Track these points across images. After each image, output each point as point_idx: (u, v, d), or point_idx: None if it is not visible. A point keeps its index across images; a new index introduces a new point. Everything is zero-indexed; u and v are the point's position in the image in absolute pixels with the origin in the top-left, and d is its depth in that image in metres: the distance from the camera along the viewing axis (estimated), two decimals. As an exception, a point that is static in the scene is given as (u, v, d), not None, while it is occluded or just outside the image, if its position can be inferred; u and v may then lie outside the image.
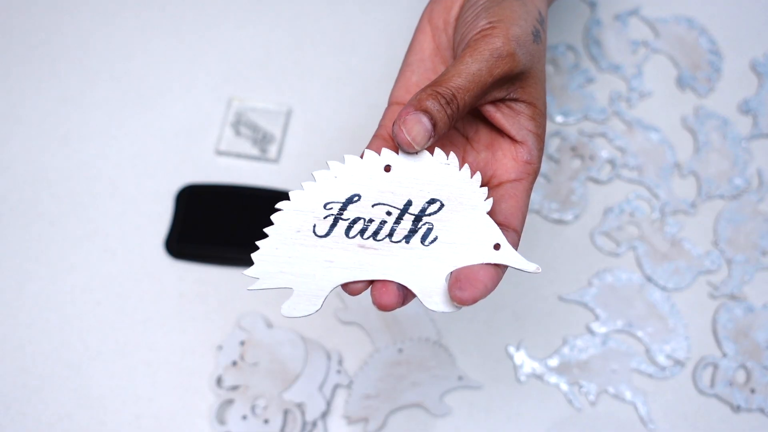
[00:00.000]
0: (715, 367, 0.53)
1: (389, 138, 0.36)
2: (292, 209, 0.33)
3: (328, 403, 0.52)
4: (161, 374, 0.53)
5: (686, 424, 0.52)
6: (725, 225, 0.58)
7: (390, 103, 0.39)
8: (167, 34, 0.65)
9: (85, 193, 0.59)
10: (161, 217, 0.58)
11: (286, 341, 0.53)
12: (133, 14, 0.66)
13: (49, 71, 0.63)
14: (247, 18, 0.66)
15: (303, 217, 0.33)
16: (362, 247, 0.33)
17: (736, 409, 0.52)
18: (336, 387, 0.52)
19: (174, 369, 0.53)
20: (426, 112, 0.32)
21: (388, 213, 0.33)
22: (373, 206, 0.33)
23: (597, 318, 0.55)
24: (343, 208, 0.33)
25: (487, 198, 0.34)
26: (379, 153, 0.34)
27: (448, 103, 0.33)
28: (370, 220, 0.33)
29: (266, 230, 0.33)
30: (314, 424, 0.51)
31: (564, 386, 0.53)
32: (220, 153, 0.60)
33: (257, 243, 0.33)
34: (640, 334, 0.54)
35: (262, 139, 0.61)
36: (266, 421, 0.51)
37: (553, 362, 0.53)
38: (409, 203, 0.33)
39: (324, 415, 0.51)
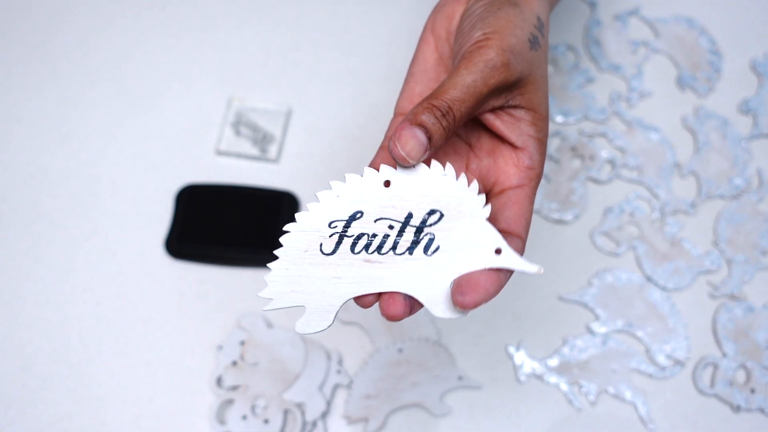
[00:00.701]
0: (715, 367, 0.53)
1: None
2: (299, 230, 0.34)
3: (328, 403, 0.52)
4: (161, 374, 0.53)
5: (686, 424, 0.52)
6: (725, 225, 0.58)
7: (395, 114, 0.40)
8: (167, 34, 0.65)
9: (85, 193, 0.59)
10: (161, 217, 0.58)
11: (286, 341, 0.53)
12: (133, 14, 0.66)
13: (49, 71, 0.63)
14: (247, 18, 0.66)
15: (309, 237, 0.34)
16: (368, 261, 0.34)
17: (736, 409, 0.52)
18: (336, 387, 0.52)
19: (174, 369, 0.53)
20: (421, 126, 0.32)
21: (391, 227, 0.34)
22: (375, 221, 0.34)
23: (597, 318, 0.55)
24: (347, 226, 0.34)
25: (485, 205, 0.34)
26: (383, 165, 0.34)
27: (443, 115, 0.33)
28: (374, 235, 0.34)
29: (276, 252, 0.34)
30: (314, 424, 0.51)
31: (564, 386, 0.53)
32: (220, 153, 0.60)
33: (269, 265, 0.34)
34: (640, 334, 0.54)
35: (262, 139, 0.61)
36: (266, 421, 0.51)
37: (553, 362, 0.53)
38: (410, 216, 0.34)
39: (324, 415, 0.51)
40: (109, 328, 0.54)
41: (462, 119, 0.34)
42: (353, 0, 0.67)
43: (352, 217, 0.34)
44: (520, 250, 0.35)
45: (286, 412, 0.51)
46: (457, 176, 0.34)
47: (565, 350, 0.54)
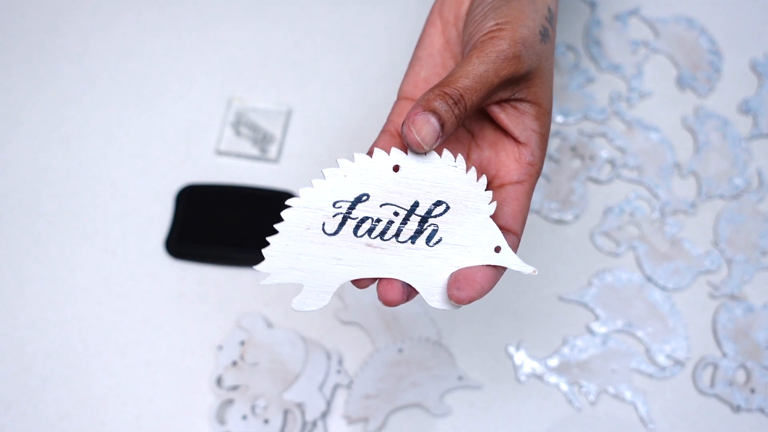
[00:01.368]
0: (715, 367, 0.53)
1: (397, 134, 0.37)
2: (302, 206, 0.34)
3: (328, 403, 0.52)
4: (161, 374, 0.53)
5: (686, 424, 0.52)
6: (725, 225, 0.58)
7: (399, 98, 0.39)
8: (167, 34, 0.65)
9: (85, 193, 0.59)
10: (161, 217, 0.58)
11: (286, 341, 0.53)
12: (133, 14, 0.66)
13: (50, 71, 0.63)
14: (247, 18, 0.66)
15: (313, 214, 0.34)
16: (370, 246, 0.34)
17: (736, 409, 0.52)
18: (336, 387, 0.52)
19: (174, 369, 0.53)
20: (434, 112, 0.32)
21: (396, 213, 0.34)
22: (381, 206, 0.34)
23: (597, 318, 0.55)
24: (352, 207, 0.34)
25: (491, 202, 0.34)
26: (386, 149, 0.34)
27: (455, 103, 0.33)
28: (378, 220, 0.34)
29: (276, 226, 0.34)
30: (314, 424, 0.51)
31: (564, 386, 0.53)
32: (220, 153, 0.60)
33: (268, 239, 0.34)
34: (640, 334, 0.54)
35: (262, 139, 0.61)
36: (266, 421, 0.51)
37: (553, 362, 0.53)
38: (416, 204, 0.34)
39: (324, 415, 0.51)
40: (109, 328, 0.54)
41: (472, 108, 0.34)
42: (353, 0, 0.67)
43: (358, 199, 0.34)
44: (515, 247, 0.35)
45: (286, 412, 0.51)
46: (467, 169, 0.34)
47: (565, 350, 0.54)
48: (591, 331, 0.54)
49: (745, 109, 0.62)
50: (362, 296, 0.54)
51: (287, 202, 0.34)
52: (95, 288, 0.55)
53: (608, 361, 0.53)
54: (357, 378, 0.52)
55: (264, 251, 0.34)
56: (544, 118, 0.37)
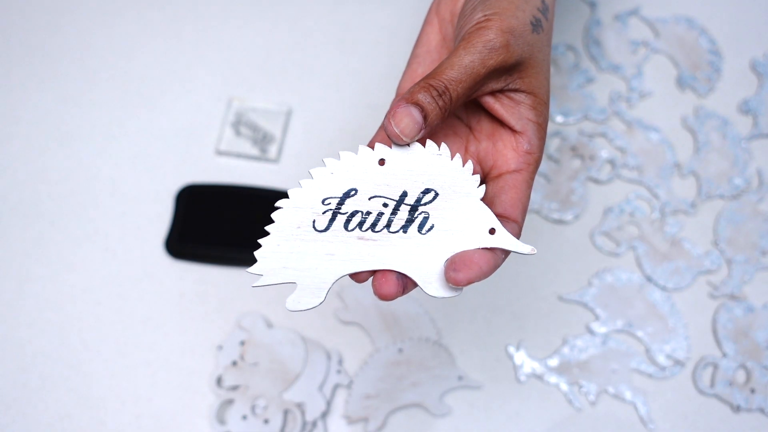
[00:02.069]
0: (715, 367, 0.53)
1: None
2: (292, 206, 0.34)
3: (328, 403, 0.52)
4: (161, 374, 0.53)
5: (686, 424, 0.52)
6: (725, 225, 0.58)
7: (397, 95, 0.40)
8: (167, 34, 0.65)
9: (85, 193, 0.59)
10: (161, 217, 0.58)
11: (286, 341, 0.53)
12: (133, 14, 0.66)
13: (49, 71, 0.63)
14: (247, 18, 0.66)
15: (302, 213, 0.34)
16: (361, 239, 0.34)
17: (736, 409, 0.52)
18: (336, 387, 0.52)
19: (174, 369, 0.53)
20: (417, 104, 0.33)
21: (385, 205, 0.34)
22: (369, 199, 0.34)
23: (597, 318, 0.55)
24: (341, 203, 0.34)
25: (480, 185, 0.34)
26: (378, 143, 0.34)
27: (440, 95, 0.33)
28: (368, 213, 0.34)
29: (267, 228, 0.34)
30: (314, 424, 0.51)
31: (564, 386, 0.53)
32: (220, 153, 0.60)
33: (259, 241, 0.34)
34: (640, 334, 0.54)
35: (262, 139, 0.61)
36: (266, 421, 0.51)
37: (553, 362, 0.53)
38: (404, 194, 0.34)
39: (324, 415, 0.51)
40: (109, 328, 0.54)
41: (459, 100, 0.34)
42: (353, 0, 0.67)
43: (346, 195, 0.34)
44: (517, 235, 0.35)
45: (286, 412, 0.51)
46: (452, 156, 0.34)
47: (565, 350, 0.54)
48: (591, 331, 0.54)
49: (745, 109, 0.62)
50: (362, 296, 0.54)
51: (277, 204, 0.34)
52: (95, 288, 0.55)
53: (608, 361, 0.53)
54: (357, 378, 0.52)
55: (256, 253, 0.34)
56: (541, 107, 0.37)
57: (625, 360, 0.53)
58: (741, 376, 0.53)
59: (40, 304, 0.55)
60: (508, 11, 0.35)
